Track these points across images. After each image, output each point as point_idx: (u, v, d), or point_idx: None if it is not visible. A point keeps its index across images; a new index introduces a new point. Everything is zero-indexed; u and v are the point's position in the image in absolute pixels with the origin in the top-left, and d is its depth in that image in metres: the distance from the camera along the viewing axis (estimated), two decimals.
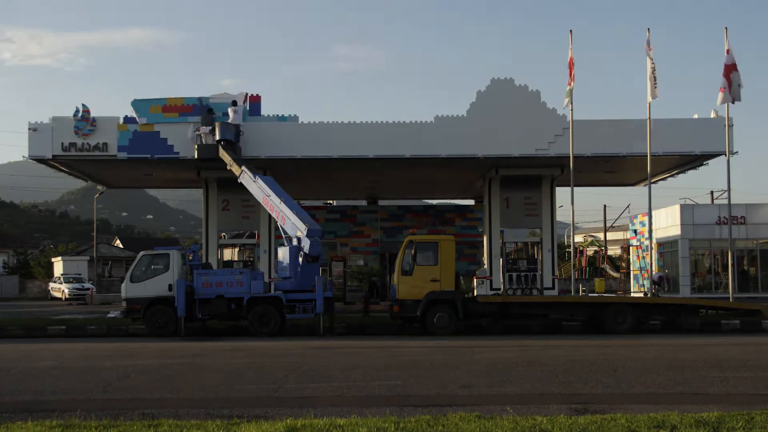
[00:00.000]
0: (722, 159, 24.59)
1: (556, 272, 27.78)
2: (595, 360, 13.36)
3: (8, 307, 32.91)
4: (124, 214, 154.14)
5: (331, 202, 39.07)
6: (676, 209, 30.13)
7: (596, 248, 57.03)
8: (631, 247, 35.57)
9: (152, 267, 21.00)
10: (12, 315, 25.55)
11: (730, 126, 24.11)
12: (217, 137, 24.16)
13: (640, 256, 32.56)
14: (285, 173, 28.57)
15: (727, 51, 23.01)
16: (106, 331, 20.83)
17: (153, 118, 24.86)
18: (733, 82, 22.81)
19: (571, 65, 23.82)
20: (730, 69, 22.95)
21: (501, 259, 27.30)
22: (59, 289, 44.22)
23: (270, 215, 27.69)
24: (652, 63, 22.87)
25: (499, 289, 26.58)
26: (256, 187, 22.63)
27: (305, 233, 20.43)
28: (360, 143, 24.93)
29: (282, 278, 20.91)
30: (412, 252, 20.07)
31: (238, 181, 23.58)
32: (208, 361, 13.67)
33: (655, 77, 22.83)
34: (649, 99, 23.33)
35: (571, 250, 31.18)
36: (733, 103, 23.11)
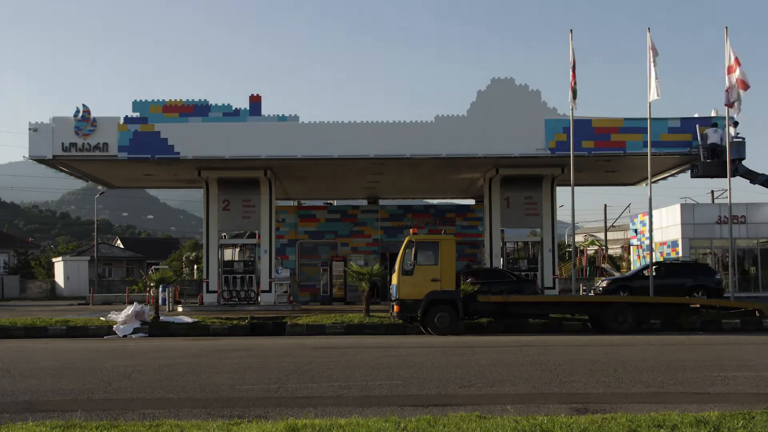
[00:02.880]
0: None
1: (557, 272, 27.78)
2: (596, 359, 13.37)
3: (10, 308, 32.92)
4: (125, 214, 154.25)
5: (332, 201, 39.08)
6: (677, 208, 30.13)
7: (597, 248, 57.05)
8: (631, 247, 35.55)
9: None
10: (13, 316, 25.54)
11: (731, 125, 24.10)
12: (732, 156, 23.93)
13: (641, 255, 32.54)
14: (285, 173, 28.59)
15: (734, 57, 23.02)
16: (107, 331, 20.83)
17: (153, 118, 24.88)
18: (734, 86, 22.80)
19: (573, 65, 23.77)
20: (732, 70, 22.93)
21: (501, 259, 27.31)
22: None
23: (271, 215, 27.77)
24: (654, 62, 22.84)
25: None
26: None
27: None
28: (360, 143, 24.93)
29: None
30: (413, 251, 20.06)
31: None
32: (209, 360, 13.68)
33: (656, 76, 22.80)
34: (650, 98, 23.31)
35: (572, 249, 31.20)
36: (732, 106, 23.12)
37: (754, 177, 24.87)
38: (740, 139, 24.55)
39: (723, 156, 23.76)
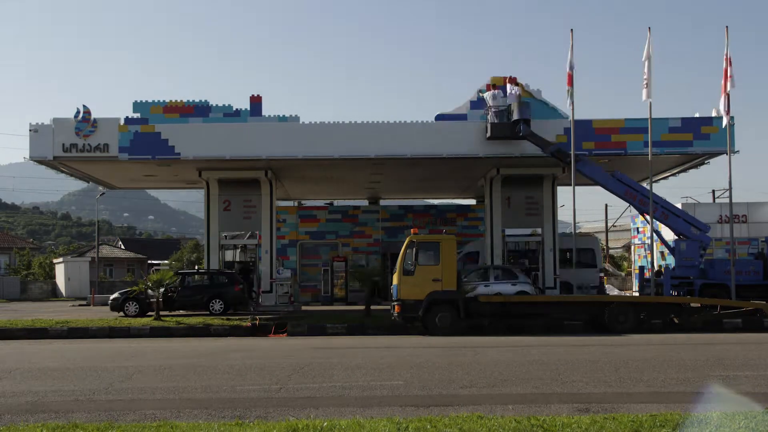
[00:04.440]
0: (723, 158, 24.59)
1: (558, 272, 27.75)
2: (597, 359, 13.36)
3: (10, 309, 32.93)
4: (126, 215, 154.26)
5: (333, 202, 39.12)
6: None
7: None
8: (633, 246, 35.53)
9: None
10: (15, 317, 25.56)
11: (732, 125, 24.08)
12: (515, 116, 24.00)
13: (642, 255, 32.52)
14: (286, 173, 28.59)
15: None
16: (108, 332, 20.83)
17: (154, 119, 24.88)
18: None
19: (573, 65, 23.72)
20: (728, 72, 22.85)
21: (502, 259, 27.29)
22: None
23: (272, 216, 27.76)
24: (649, 62, 22.81)
25: None
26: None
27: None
28: (361, 143, 24.91)
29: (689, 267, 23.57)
30: (414, 252, 20.04)
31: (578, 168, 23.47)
32: (210, 361, 13.68)
33: (648, 77, 22.75)
34: (643, 99, 23.26)
35: (573, 249, 31.10)
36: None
37: (544, 145, 24.09)
38: (526, 101, 24.35)
39: (508, 118, 24.16)
